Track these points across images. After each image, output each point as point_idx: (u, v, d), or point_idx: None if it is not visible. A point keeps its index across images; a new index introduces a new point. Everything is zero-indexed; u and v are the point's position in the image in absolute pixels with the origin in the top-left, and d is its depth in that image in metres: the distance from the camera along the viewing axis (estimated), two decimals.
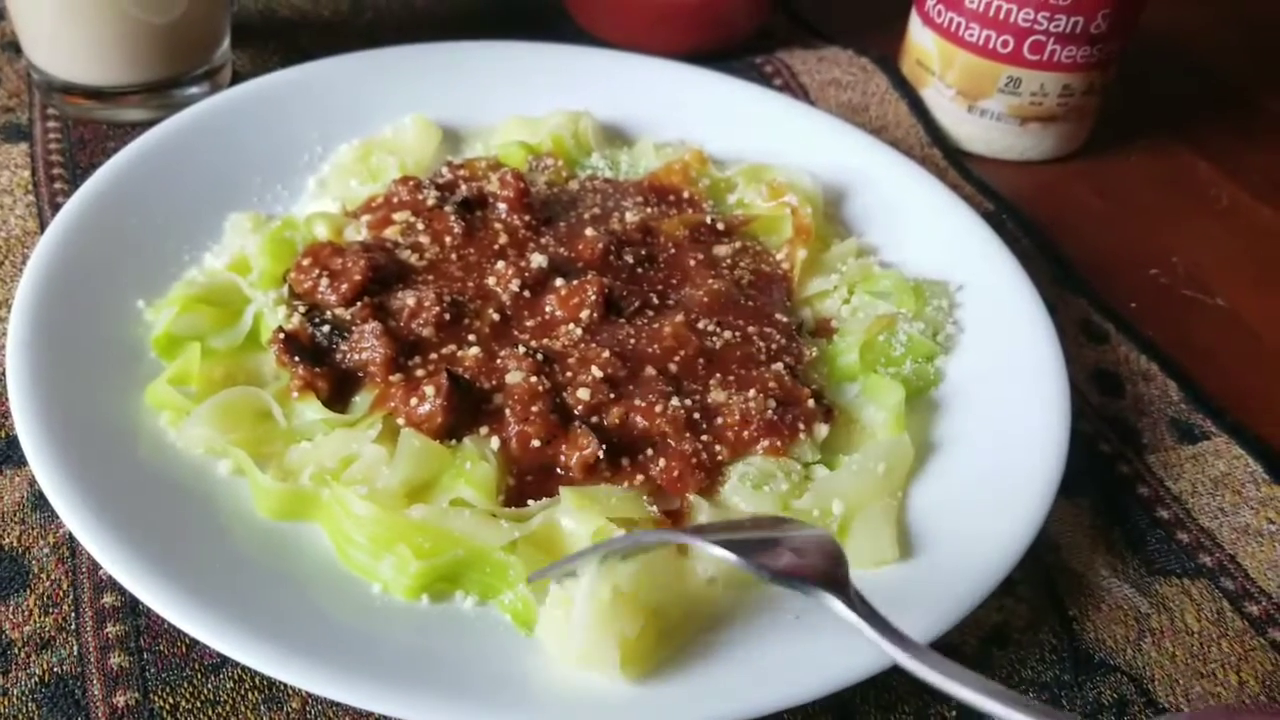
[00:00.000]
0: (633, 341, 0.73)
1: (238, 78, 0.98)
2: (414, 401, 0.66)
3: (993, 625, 0.65)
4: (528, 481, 0.65)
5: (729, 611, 0.60)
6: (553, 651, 0.57)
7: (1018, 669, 0.63)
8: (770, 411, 0.69)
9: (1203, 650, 0.65)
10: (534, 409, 0.66)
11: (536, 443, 0.66)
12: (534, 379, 0.68)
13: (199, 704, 0.57)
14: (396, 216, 0.80)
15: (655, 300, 0.77)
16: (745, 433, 0.68)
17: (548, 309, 0.75)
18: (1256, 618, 0.67)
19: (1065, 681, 0.63)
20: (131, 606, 0.60)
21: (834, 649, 0.57)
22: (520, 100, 0.94)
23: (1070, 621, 0.66)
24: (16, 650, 0.58)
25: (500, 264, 0.77)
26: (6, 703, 0.56)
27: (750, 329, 0.75)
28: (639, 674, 0.56)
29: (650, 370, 0.71)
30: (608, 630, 0.55)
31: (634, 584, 0.57)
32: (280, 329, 0.69)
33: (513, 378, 0.68)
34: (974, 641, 0.64)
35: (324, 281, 0.74)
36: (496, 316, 0.74)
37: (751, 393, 0.70)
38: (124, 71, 0.90)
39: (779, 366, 0.72)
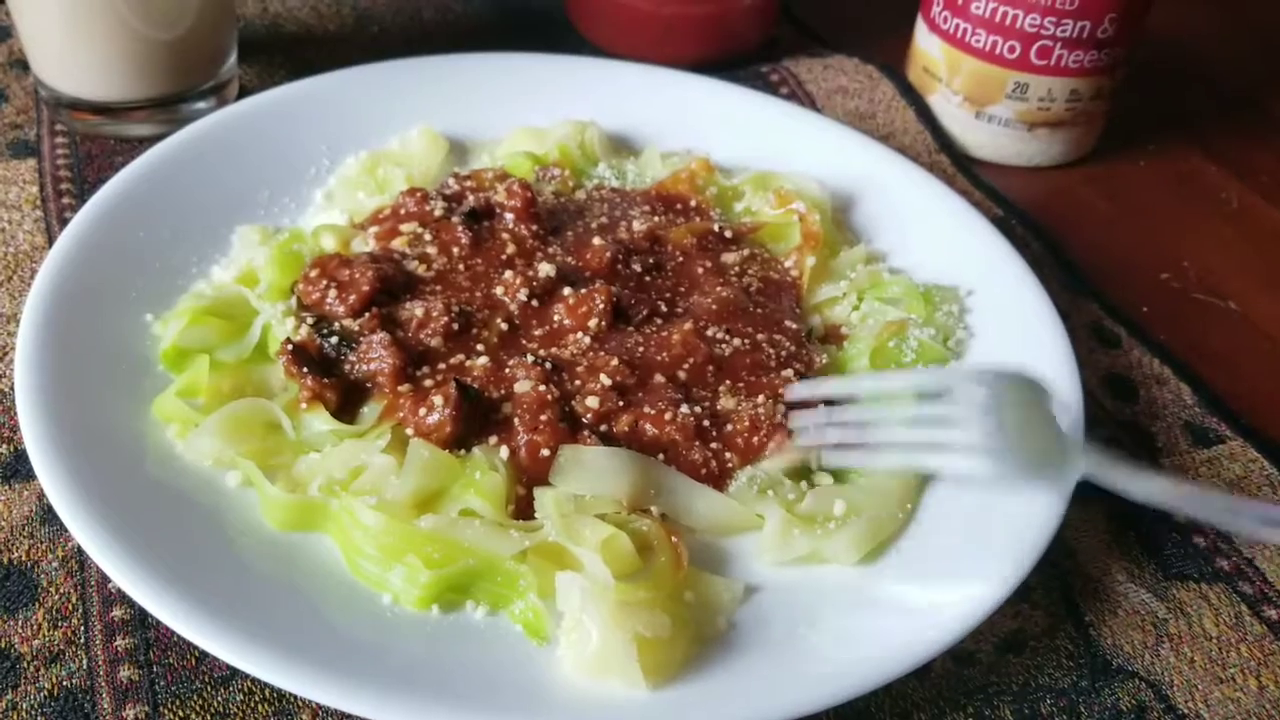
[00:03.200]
0: (641, 349, 0.73)
1: (244, 92, 0.98)
2: (422, 411, 0.66)
3: (1009, 632, 0.64)
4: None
5: (741, 621, 0.60)
6: (572, 662, 0.56)
7: (1034, 675, 0.62)
8: (780, 417, 0.68)
9: (1222, 655, 0.65)
10: (543, 418, 0.66)
11: (546, 452, 0.65)
12: (543, 388, 0.67)
13: (209, 717, 0.56)
14: (404, 228, 0.80)
15: (664, 308, 0.77)
16: (755, 439, 0.68)
17: (556, 318, 0.74)
18: (1276, 622, 0.67)
19: (1083, 688, 0.62)
20: (140, 619, 0.60)
21: (847, 658, 0.57)
22: (526, 111, 0.94)
23: (1087, 627, 0.65)
24: (26, 664, 0.58)
25: (508, 274, 0.77)
26: (16, 717, 0.55)
27: (759, 336, 0.75)
28: (659, 679, 0.55)
29: (659, 378, 0.70)
30: (623, 628, 0.55)
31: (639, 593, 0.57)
32: (288, 340, 0.69)
33: (521, 387, 0.68)
34: (989, 648, 0.63)
35: (332, 293, 0.73)
36: (505, 326, 0.73)
37: (761, 399, 0.69)
38: (131, 87, 0.90)
39: (789, 373, 0.72)
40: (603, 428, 0.67)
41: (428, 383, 0.69)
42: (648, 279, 0.79)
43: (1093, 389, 0.81)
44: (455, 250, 0.79)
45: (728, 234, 0.84)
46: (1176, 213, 1.02)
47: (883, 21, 1.18)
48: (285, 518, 0.62)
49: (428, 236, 0.79)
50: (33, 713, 0.56)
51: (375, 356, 0.69)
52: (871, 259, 0.85)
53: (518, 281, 0.75)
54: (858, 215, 0.90)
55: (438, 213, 0.81)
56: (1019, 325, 0.77)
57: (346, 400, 0.68)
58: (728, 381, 0.71)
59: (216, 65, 0.95)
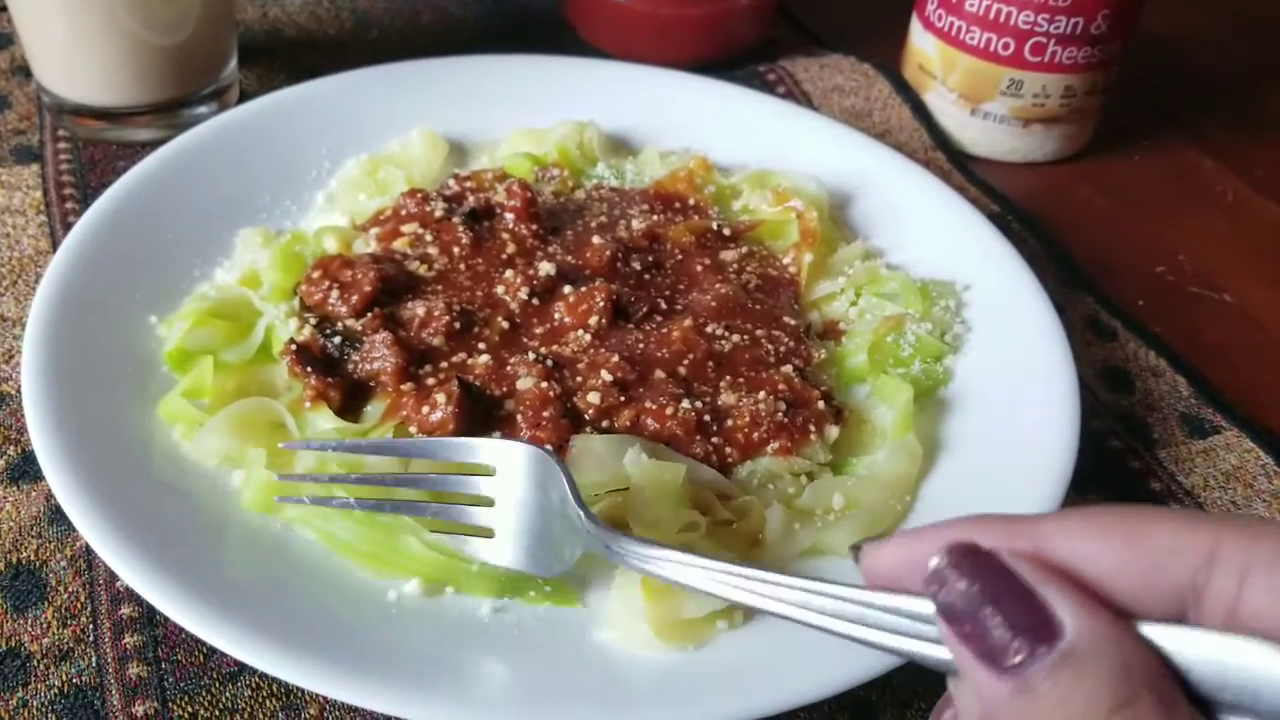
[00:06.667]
0: (642, 346, 0.73)
1: (245, 96, 0.99)
2: (425, 410, 0.67)
3: None
4: None
5: (739, 613, 0.61)
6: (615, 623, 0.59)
7: None
8: (780, 414, 0.69)
9: None
10: (545, 414, 0.67)
11: (549, 448, 0.66)
12: (544, 384, 0.68)
13: (217, 712, 0.57)
14: (405, 228, 0.81)
15: (663, 305, 0.77)
16: (755, 434, 0.68)
17: (556, 316, 0.75)
18: None
19: None
20: (149, 617, 0.61)
21: (849, 647, 0.58)
22: (525, 112, 0.95)
23: None
24: (36, 662, 0.58)
25: (509, 273, 0.77)
26: (27, 714, 0.56)
27: (759, 332, 0.75)
28: (664, 629, 0.57)
29: (660, 374, 0.71)
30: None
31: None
32: (292, 341, 0.70)
33: (523, 384, 0.69)
34: None
35: (334, 293, 0.74)
36: (506, 324, 0.74)
37: (761, 395, 0.70)
38: (133, 92, 0.91)
39: (788, 368, 0.73)
40: (605, 423, 0.68)
41: (430, 381, 0.69)
42: (647, 277, 0.80)
43: (1089, 381, 0.81)
44: (456, 250, 0.79)
45: (726, 232, 0.84)
46: (1172, 207, 1.03)
47: (878, 20, 1.19)
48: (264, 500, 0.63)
49: (429, 237, 0.80)
50: (43, 710, 0.56)
51: (378, 356, 0.70)
52: (869, 255, 0.85)
53: (518, 280, 0.76)
54: (855, 212, 0.90)
55: (438, 213, 0.81)
56: (1015, 319, 0.78)
57: (350, 399, 0.69)
58: (728, 377, 0.72)
59: (217, 70, 0.96)
